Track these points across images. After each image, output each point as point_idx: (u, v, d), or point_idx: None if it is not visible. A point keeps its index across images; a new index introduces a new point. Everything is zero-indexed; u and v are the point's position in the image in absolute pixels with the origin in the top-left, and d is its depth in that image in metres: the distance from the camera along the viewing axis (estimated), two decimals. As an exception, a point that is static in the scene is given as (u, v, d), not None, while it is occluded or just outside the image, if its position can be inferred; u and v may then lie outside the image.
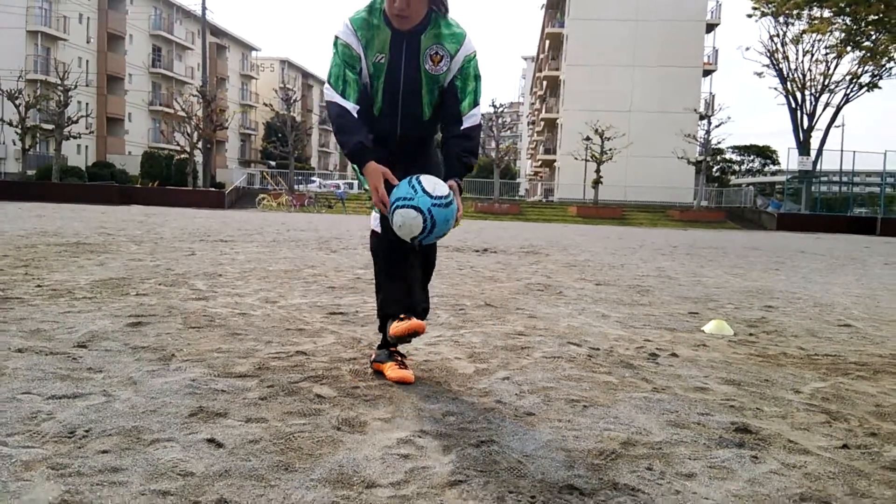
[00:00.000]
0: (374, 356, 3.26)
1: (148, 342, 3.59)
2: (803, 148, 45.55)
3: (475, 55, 3.03)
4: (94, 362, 3.12)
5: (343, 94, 2.93)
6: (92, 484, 1.85)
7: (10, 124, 38.46)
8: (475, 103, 3.03)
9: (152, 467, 1.98)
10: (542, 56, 65.21)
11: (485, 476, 2.04)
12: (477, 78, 3.05)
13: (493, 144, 47.18)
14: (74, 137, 40.72)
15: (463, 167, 2.99)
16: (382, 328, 3.20)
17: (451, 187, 2.89)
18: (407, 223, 2.75)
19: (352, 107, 2.93)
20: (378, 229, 3.05)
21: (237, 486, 1.89)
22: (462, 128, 3.00)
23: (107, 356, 3.25)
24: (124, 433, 2.24)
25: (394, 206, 2.78)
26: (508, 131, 60.18)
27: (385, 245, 3.01)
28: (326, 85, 3.01)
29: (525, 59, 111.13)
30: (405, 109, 3.05)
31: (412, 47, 2.95)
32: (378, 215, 3.02)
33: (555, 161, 55.39)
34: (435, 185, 2.78)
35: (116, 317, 4.24)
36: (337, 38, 2.97)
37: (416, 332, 2.88)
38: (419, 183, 2.77)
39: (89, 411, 2.44)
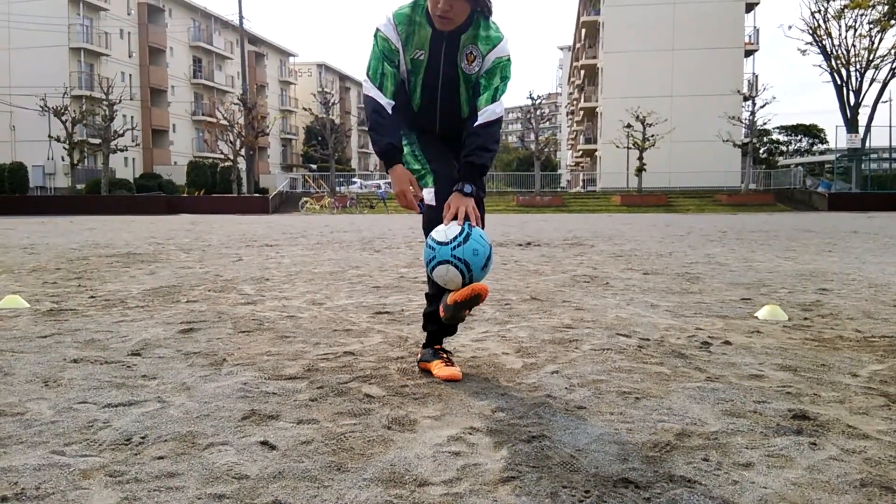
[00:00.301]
0: (420, 355, 3.27)
1: (199, 348, 3.64)
2: (851, 125, 44.45)
3: (507, 59, 2.99)
4: (148, 370, 3.18)
5: (380, 88, 2.95)
6: (149, 490, 1.88)
7: (58, 140, 39.52)
8: (493, 99, 2.95)
9: (207, 471, 2.01)
10: (578, 45, 64.67)
11: (537, 472, 2.02)
12: (504, 79, 2.99)
13: (533, 136, 46.97)
14: (121, 150, 41.68)
15: (473, 169, 2.90)
16: (427, 326, 3.20)
17: (459, 202, 2.83)
18: (447, 279, 2.77)
19: (387, 102, 2.94)
20: (433, 202, 2.95)
21: (291, 488, 1.90)
22: (475, 124, 2.93)
23: (160, 363, 3.30)
24: (179, 438, 2.27)
25: (429, 269, 2.83)
26: (547, 123, 59.79)
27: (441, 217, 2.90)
28: (364, 77, 3.03)
29: (561, 48, 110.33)
30: (444, 107, 3.08)
31: (452, 45, 2.96)
32: (432, 189, 2.97)
33: (596, 150, 54.97)
34: (445, 232, 2.78)
35: (168, 324, 4.31)
36: (377, 30, 2.98)
37: (478, 296, 2.74)
38: (432, 239, 2.80)
39: (145, 418, 2.48)
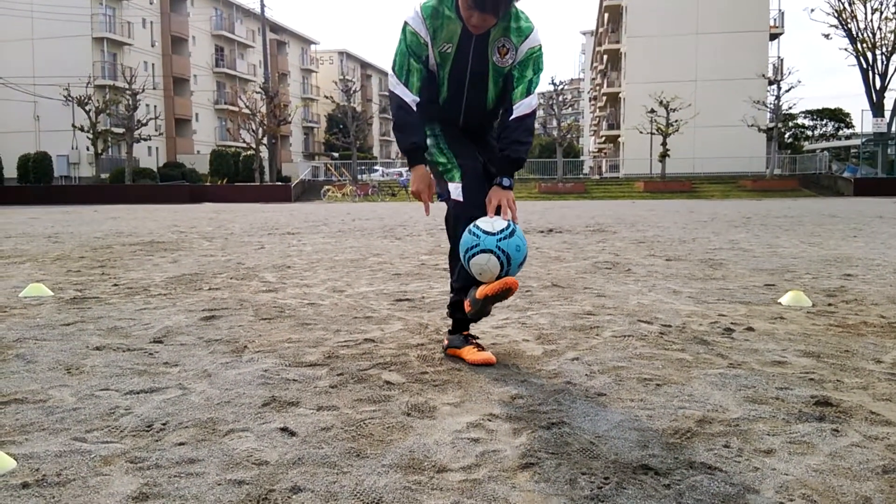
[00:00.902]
0: (446, 342, 3.25)
1: (221, 335, 3.66)
2: (877, 109, 43.75)
3: (540, 49, 3.01)
4: (170, 357, 3.20)
5: (406, 84, 2.95)
6: (169, 476, 1.90)
7: (82, 130, 39.90)
8: (528, 92, 2.97)
9: (228, 457, 2.02)
10: (601, 30, 64.12)
11: (556, 458, 2.02)
12: (537, 70, 3.01)
13: (555, 123, 46.77)
14: (145, 139, 41.99)
15: (510, 164, 2.96)
16: (453, 313, 3.18)
17: (498, 196, 2.91)
18: (485, 268, 2.76)
19: (412, 99, 2.95)
20: (460, 198, 2.95)
21: (310, 474, 1.91)
22: (511, 118, 2.97)
23: (182, 350, 3.33)
24: (200, 425, 2.29)
25: (466, 258, 2.81)
26: (570, 109, 59.47)
27: (472, 213, 2.91)
28: (391, 73, 3.03)
29: (583, 33, 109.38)
30: (469, 101, 3.07)
31: (481, 39, 2.94)
32: (460, 184, 2.96)
33: (619, 136, 54.58)
34: (492, 223, 2.79)
35: (190, 311, 4.35)
36: (406, 24, 2.96)
37: (509, 290, 2.74)
38: (477, 227, 2.78)
39: (166, 405, 2.50)
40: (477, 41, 2.93)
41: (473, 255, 2.77)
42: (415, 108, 2.95)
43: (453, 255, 3.10)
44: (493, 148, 3.15)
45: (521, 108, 2.96)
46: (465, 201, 2.95)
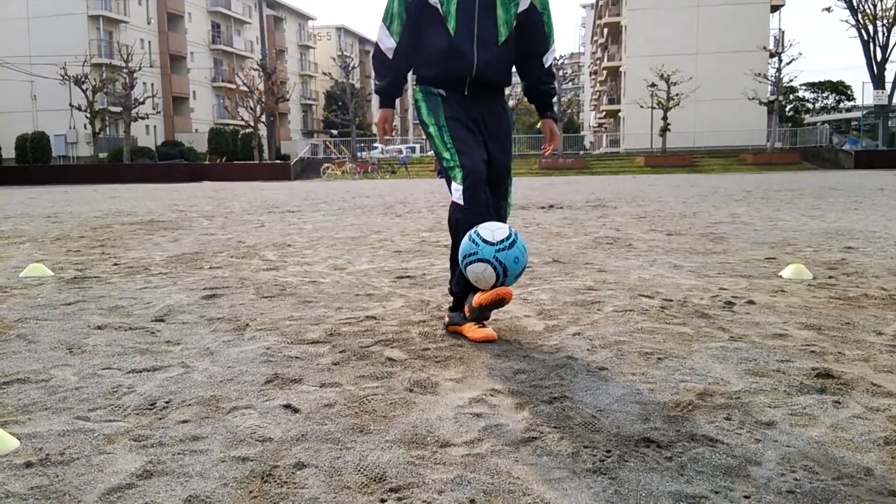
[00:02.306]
0: (447, 319, 3.26)
1: (223, 313, 3.67)
2: (878, 81, 43.50)
3: None
4: (172, 335, 3.21)
5: (389, 28, 3.09)
6: (173, 453, 1.91)
7: (80, 109, 39.73)
8: (552, 41, 3.23)
9: (231, 434, 2.03)
10: (601, 3, 63.57)
11: (559, 432, 2.02)
12: (552, 16, 3.23)
13: (555, 98, 46.47)
14: (142, 118, 41.81)
15: (552, 101, 3.31)
16: (455, 292, 3.19)
17: (551, 128, 3.28)
18: (481, 277, 2.78)
19: (388, 46, 3.11)
20: (460, 201, 2.98)
21: (314, 450, 1.91)
22: (547, 65, 3.26)
23: (184, 329, 3.34)
24: (203, 403, 2.30)
25: (464, 264, 2.82)
26: (570, 83, 59.16)
27: (472, 219, 2.92)
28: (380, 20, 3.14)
29: (584, 6, 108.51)
30: (481, 32, 3.01)
31: None
32: (461, 187, 2.96)
33: (619, 111, 54.32)
34: (493, 231, 2.78)
35: (191, 290, 4.35)
36: None
37: (503, 300, 2.81)
38: (478, 235, 2.78)
39: (169, 383, 2.51)
40: None
41: (470, 263, 2.78)
42: (390, 55, 3.11)
43: (454, 258, 3.11)
44: (505, 122, 3.18)
45: (551, 57, 3.26)
46: (465, 205, 2.96)
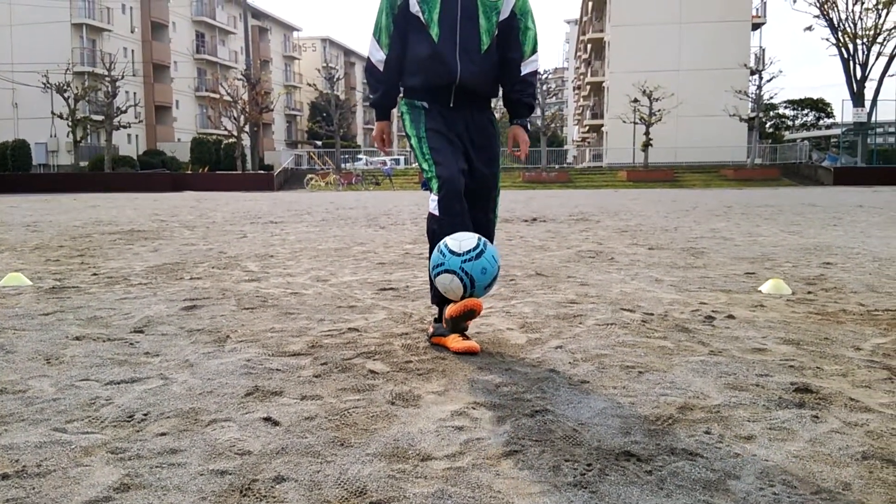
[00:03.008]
0: (431, 330, 3.26)
1: (203, 325, 3.64)
2: (857, 99, 44.08)
3: None
4: (151, 347, 3.18)
5: (378, 41, 3.13)
6: (151, 466, 1.89)
7: (61, 117, 39.42)
8: (534, 50, 3.19)
9: (210, 447, 2.01)
10: (585, 18, 64.06)
11: (540, 445, 2.02)
12: (534, 23, 3.18)
13: (539, 112, 46.73)
14: (124, 127, 41.56)
15: (526, 109, 3.21)
16: (433, 303, 3.22)
17: (515, 134, 3.21)
18: (449, 288, 2.80)
19: (378, 58, 3.15)
20: (436, 212, 3.00)
21: (294, 464, 1.90)
22: (523, 74, 3.17)
23: (163, 340, 3.31)
24: (182, 415, 2.28)
25: (433, 275, 2.85)
26: (554, 98, 59.54)
27: (447, 230, 2.94)
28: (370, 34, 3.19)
29: (568, 22, 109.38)
30: (463, 41, 3.03)
31: None
32: (437, 197, 2.99)
33: (602, 126, 54.64)
34: (460, 242, 2.79)
35: (171, 301, 4.32)
36: None
37: (472, 312, 2.82)
38: (445, 246, 2.80)
39: (147, 395, 2.49)
40: None
41: (438, 274, 2.80)
42: (381, 68, 3.16)
43: None
44: (491, 135, 3.19)
45: (531, 66, 3.19)
46: (440, 215, 2.99)
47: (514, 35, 3.11)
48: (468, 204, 3.06)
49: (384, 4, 3.11)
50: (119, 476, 1.82)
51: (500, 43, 3.12)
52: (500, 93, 3.30)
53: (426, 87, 3.10)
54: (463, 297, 2.79)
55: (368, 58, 3.20)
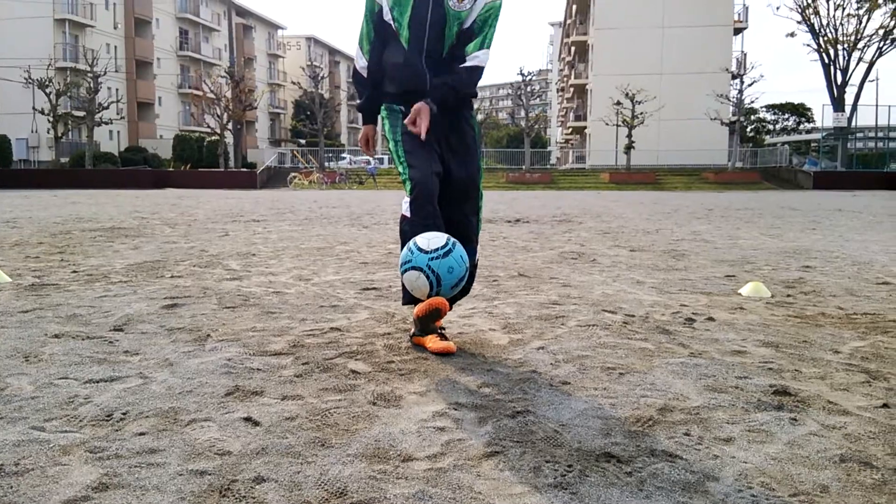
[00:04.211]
0: (412, 330, 3.26)
1: (183, 323, 3.62)
2: (838, 104, 44.52)
3: (498, 6, 3.09)
4: (131, 345, 3.16)
5: (361, 49, 3.22)
6: (130, 466, 1.87)
7: (42, 112, 39.05)
8: (482, 46, 3.06)
9: (189, 447, 2.00)
10: (569, 21, 64.29)
11: (521, 446, 2.03)
12: (492, 26, 3.09)
13: (523, 113, 46.84)
14: (106, 123, 41.22)
15: (441, 95, 3.02)
16: (403, 303, 3.26)
17: (417, 109, 2.97)
18: (415, 286, 2.80)
19: (362, 65, 3.24)
20: (408, 213, 3.03)
21: (274, 464, 1.89)
22: (463, 65, 3.06)
23: (143, 339, 3.29)
24: (161, 414, 2.26)
25: (401, 271, 2.86)
26: (538, 99, 59.65)
27: (418, 230, 2.96)
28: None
29: (552, 24, 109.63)
30: (430, 48, 3.06)
31: None
32: (409, 199, 3.02)
33: (585, 128, 54.87)
34: (429, 240, 2.80)
35: (152, 299, 4.29)
36: None
37: (437, 311, 2.84)
38: (414, 243, 2.81)
39: (126, 394, 2.47)
40: None
41: (405, 272, 2.81)
42: (365, 74, 3.24)
43: None
44: (469, 138, 3.20)
45: (475, 60, 3.07)
46: (411, 216, 3.01)
47: (469, 36, 3.08)
48: (447, 206, 3.08)
49: (365, 12, 3.19)
50: (98, 475, 1.81)
51: (458, 46, 3.09)
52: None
53: (401, 93, 3.14)
54: (429, 296, 2.80)
55: (354, 66, 3.32)
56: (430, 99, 3.00)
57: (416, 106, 3.00)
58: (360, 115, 3.42)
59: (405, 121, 3.02)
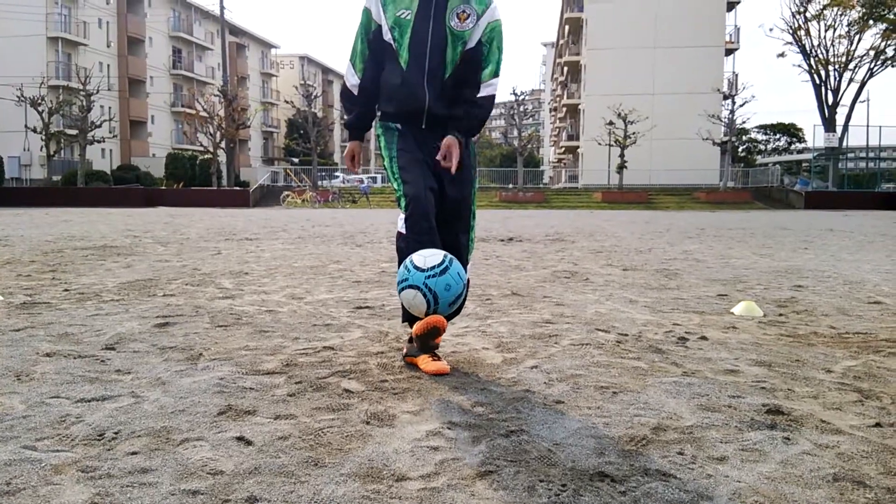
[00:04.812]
0: (405, 350, 3.26)
1: (175, 342, 3.61)
2: (829, 124, 44.89)
3: (500, 24, 3.13)
4: (123, 364, 3.14)
5: (353, 65, 3.18)
6: (122, 486, 1.86)
7: (35, 131, 38.99)
8: (495, 74, 3.13)
9: (182, 467, 1.99)
10: (561, 41, 64.74)
11: (515, 466, 2.03)
12: (500, 50, 3.14)
13: (516, 133, 47.04)
14: (98, 141, 41.14)
15: (467, 127, 3.10)
16: (403, 321, 3.24)
17: (448, 143, 3.02)
18: (412, 304, 2.80)
19: (353, 82, 3.21)
20: (403, 230, 3.04)
21: (267, 484, 1.89)
22: (478, 95, 3.11)
23: (135, 357, 3.27)
24: (153, 434, 2.25)
25: (398, 290, 2.86)
26: (530, 119, 60.06)
27: (413, 247, 2.96)
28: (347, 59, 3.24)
29: (545, 45, 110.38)
30: (432, 69, 3.07)
31: (439, 5, 3.04)
32: (404, 216, 3.02)
33: (578, 147, 55.06)
34: (425, 258, 2.80)
35: (144, 318, 4.27)
36: (364, 7, 3.15)
37: (435, 329, 2.84)
38: (411, 261, 2.81)
39: (118, 413, 2.45)
40: (436, 7, 3.03)
41: (402, 290, 2.81)
42: (356, 92, 3.20)
43: None
44: (464, 157, 3.19)
45: (489, 88, 3.13)
46: (407, 233, 3.01)
47: (478, 59, 3.09)
48: (441, 226, 3.08)
49: (360, 29, 3.17)
50: (89, 495, 1.80)
51: (463, 67, 3.10)
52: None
53: (398, 113, 3.15)
54: (427, 314, 2.79)
55: (344, 82, 3.28)
56: (457, 131, 3.06)
57: (445, 141, 3.03)
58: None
59: (437, 157, 3.04)
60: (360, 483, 1.90)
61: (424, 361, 3.09)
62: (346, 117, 3.32)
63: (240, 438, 2.22)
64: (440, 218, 3.10)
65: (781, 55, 49.46)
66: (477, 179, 3.33)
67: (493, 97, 3.15)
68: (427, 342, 2.96)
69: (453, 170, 3.01)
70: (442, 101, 3.10)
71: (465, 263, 3.21)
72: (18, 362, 3.14)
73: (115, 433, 2.25)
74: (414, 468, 2.01)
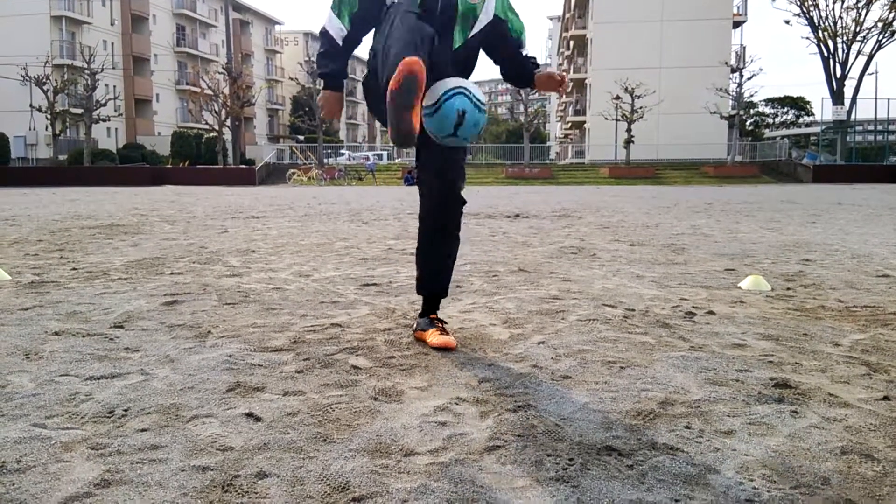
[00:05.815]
0: (415, 325, 3.28)
1: (184, 320, 3.62)
2: (837, 97, 44.52)
3: None
4: (131, 342, 3.16)
5: (338, 14, 2.90)
6: (132, 462, 1.87)
7: (40, 110, 39.02)
8: (522, 38, 3.15)
9: (191, 443, 2.00)
10: (567, 15, 64.18)
11: (522, 440, 2.03)
12: (514, 16, 3.13)
13: (522, 108, 46.81)
14: (104, 120, 41.20)
15: (533, 68, 3.16)
16: (419, 290, 3.26)
17: (540, 76, 3.13)
18: (459, 106, 2.64)
19: (337, 30, 2.90)
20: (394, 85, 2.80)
21: (276, 459, 1.90)
22: (526, 54, 3.16)
23: (143, 335, 3.29)
24: (163, 411, 2.26)
25: (443, 98, 2.67)
26: (536, 94, 59.72)
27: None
28: (328, 7, 2.97)
29: (551, 18, 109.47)
30: (442, 39, 2.89)
31: None
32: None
33: (585, 122, 54.82)
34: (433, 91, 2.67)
35: (152, 296, 4.29)
36: None
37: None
38: (439, 90, 2.68)
39: (127, 390, 2.47)
40: None
41: (450, 98, 2.66)
42: (340, 41, 2.92)
43: (420, 252, 3.21)
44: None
45: (522, 53, 3.17)
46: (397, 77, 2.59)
47: (506, 36, 3.06)
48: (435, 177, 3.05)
49: None
50: (100, 472, 1.81)
51: (492, 45, 3.07)
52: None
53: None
54: (460, 121, 2.64)
55: (326, 30, 2.94)
56: (538, 70, 3.16)
57: (541, 76, 3.13)
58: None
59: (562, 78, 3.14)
60: (369, 458, 1.91)
61: (432, 335, 3.10)
62: (323, 68, 3.02)
63: (249, 415, 2.23)
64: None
65: (787, 22, 48.93)
66: (483, 154, 3.29)
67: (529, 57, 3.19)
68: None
69: (567, 84, 3.14)
70: (446, 57, 2.90)
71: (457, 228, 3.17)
72: (27, 341, 3.16)
73: (125, 410, 2.26)
74: (422, 443, 2.02)
